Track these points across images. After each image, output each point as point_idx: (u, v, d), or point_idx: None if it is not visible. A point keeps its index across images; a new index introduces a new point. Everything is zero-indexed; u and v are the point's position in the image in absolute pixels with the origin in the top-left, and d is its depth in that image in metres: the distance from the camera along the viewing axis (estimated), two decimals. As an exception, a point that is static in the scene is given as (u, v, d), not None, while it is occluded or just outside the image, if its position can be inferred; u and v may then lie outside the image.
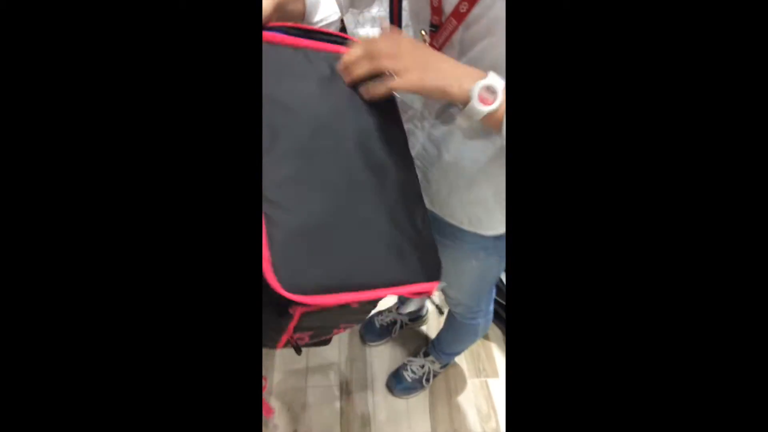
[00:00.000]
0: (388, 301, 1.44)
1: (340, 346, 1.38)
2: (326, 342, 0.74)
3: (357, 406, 1.25)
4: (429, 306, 1.46)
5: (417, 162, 0.67)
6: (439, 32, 0.52)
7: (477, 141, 0.59)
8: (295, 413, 1.22)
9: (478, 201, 0.66)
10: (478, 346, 1.40)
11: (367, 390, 1.28)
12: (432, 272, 0.52)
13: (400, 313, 1.37)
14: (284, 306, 0.50)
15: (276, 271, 0.40)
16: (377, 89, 0.49)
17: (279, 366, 1.31)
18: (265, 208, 0.42)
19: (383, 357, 1.36)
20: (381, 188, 0.50)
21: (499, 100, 0.45)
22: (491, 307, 1.02)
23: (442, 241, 0.77)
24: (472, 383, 1.32)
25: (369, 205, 0.49)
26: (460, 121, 0.48)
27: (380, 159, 0.51)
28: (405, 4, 0.62)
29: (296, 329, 0.59)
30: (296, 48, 0.49)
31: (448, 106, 0.59)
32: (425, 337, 1.41)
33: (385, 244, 0.48)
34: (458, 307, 0.97)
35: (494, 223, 0.68)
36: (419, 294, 0.51)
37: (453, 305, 0.99)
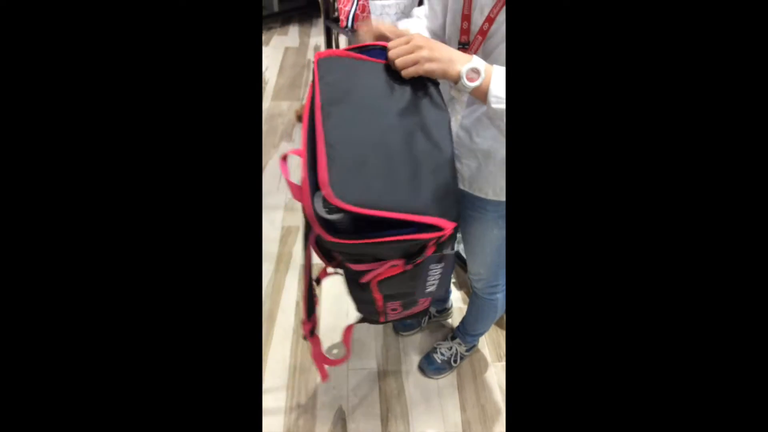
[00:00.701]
0: (416, 296, 1.62)
1: (375, 336, 1.55)
2: (420, 315, 0.94)
3: (393, 385, 1.41)
4: (453, 301, 1.63)
5: None
6: (470, 47, 0.75)
7: (499, 123, 0.80)
8: (340, 392, 1.39)
9: (501, 172, 0.86)
10: (498, 334, 1.57)
11: (402, 372, 1.45)
12: (448, 214, 0.62)
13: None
14: (356, 277, 0.69)
15: (331, 186, 0.56)
16: (408, 72, 0.66)
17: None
18: (327, 149, 0.59)
19: (414, 344, 1.53)
20: (409, 150, 0.64)
21: (482, 78, 0.64)
22: None
23: (471, 214, 0.97)
24: (495, 366, 1.48)
25: (397, 159, 0.62)
26: (454, 93, 0.67)
27: (412, 129, 0.66)
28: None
29: (385, 299, 0.78)
30: (357, 59, 0.70)
31: (474, 100, 0.80)
32: (451, 328, 1.58)
33: (407, 186, 0.61)
34: (480, 282, 1.15)
35: None
36: (437, 231, 0.61)
37: (475, 281, 1.17)
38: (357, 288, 0.75)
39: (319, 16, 3.97)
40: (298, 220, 1.99)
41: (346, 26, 1.90)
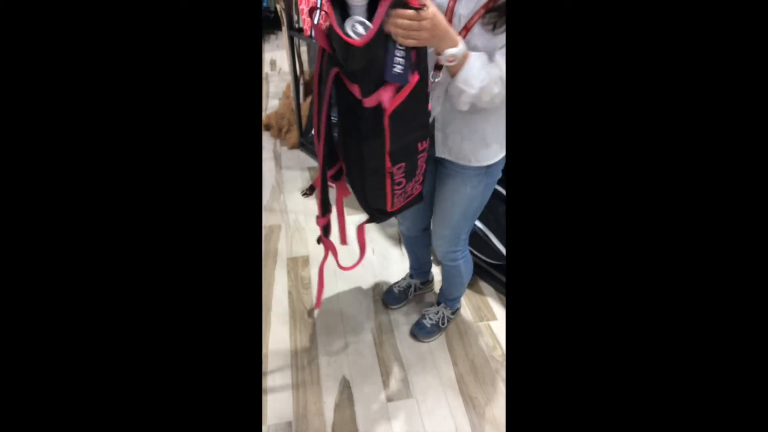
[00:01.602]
0: (401, 272, 1.75)
1: (368, 312, 1.67)
2: (419, 199, 1.06)
3: (389, 352, 1.54)
4: (434, 275, 1.78)
5: (438, 125, 1.02)
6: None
7: (457, 100, 0.94)
8: (341, 362, 1.50)
9: (482, 140, 1.01)
10: (477, 299, 1.73)
11: (396, 340, 1.58)
12: None
13: (412, 279, 1.69)
14: (372, 123, 0.80)
15: None
16: (406, 43, 0.75)
17: (320, 331, 1.59)
18: None
19: (404, 315, 1.66)
20: None
21: (457, 61, 0.81)
22: (467, 251, 1.37)
23: (450, 173, 1.12)
24: (477, 326, 1.64)
25: None
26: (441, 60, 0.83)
27: None
28: None
29: (392, 156, 0.88)
30: None
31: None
32: (435, 297, 1.72)
33: None
34: (442, 246, 1.30)
35: (490, 155, 1.05)
36: None
37: (437, 246, 1.31)
38: (372, 137, 0.85)
39: (272, 33, 4.09)
40: (279, 219, 2.09)
41: (310, 35, 2.04)
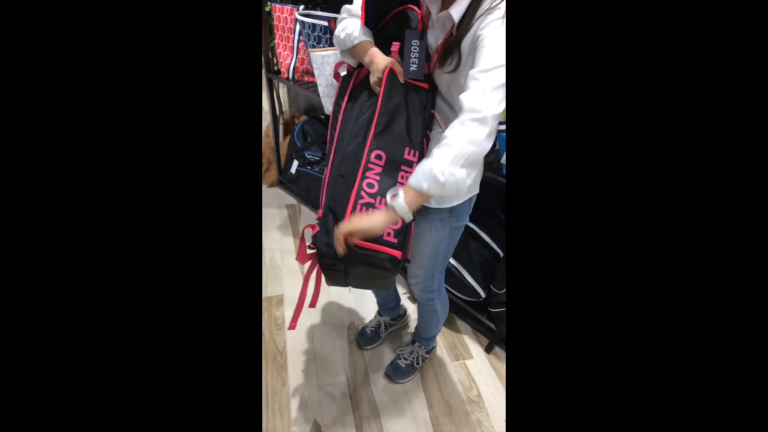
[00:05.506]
0: (370, 312, 1.74)
1: (342, 353, 1.64)
2: (391, 266, 1.00)
3: (363, 395, 1.50)
4: (406, 306, 1.77)
5: None
6: None
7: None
8: (312, 408, 1.45)
9: None
10: (453, 338, 1.72)
11: (370, 382, 1.54)
12: None
13: (381, 316, 1.67)
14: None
15: None
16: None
17: (292, 373, 1.55)
18: None
19: (378, 356, 1.63)
20: None
21: (406, 214, 0.85)
22: (443, 290, 1.37)
23: (417, 217, 1.13)
24: (453, 365, 1.62)
25: None
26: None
27: None
28: None
29: (377, 129, 0.94)
30: None
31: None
32: (409, 336, 1.71)
33: None
34: (418, 285, 1.29)
35: (450, 199, 1.07)
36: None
37: (414, 285, 1.31)
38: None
39: (254, 74, 4.18)
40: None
41: (288, 77, 2.10)
